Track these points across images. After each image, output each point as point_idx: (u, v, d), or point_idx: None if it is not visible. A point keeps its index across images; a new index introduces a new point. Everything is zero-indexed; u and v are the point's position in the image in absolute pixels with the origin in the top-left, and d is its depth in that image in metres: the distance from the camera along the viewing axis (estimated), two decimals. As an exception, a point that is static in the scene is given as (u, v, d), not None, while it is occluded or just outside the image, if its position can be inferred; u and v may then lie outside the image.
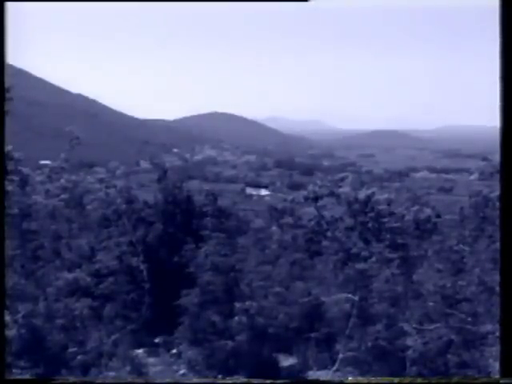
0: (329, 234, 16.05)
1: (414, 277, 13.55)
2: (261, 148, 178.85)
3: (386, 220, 15.66)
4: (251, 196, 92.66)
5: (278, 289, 14.65)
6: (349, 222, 16.64)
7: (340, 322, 12.97)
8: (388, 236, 14.73)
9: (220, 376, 12.46)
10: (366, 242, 14.97)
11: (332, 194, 18.21)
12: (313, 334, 13.43)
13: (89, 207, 18.48)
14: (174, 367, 13.58)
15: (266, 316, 13.66)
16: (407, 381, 4.59)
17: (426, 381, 4.44)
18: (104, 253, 15.81)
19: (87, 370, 11.15)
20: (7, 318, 10.31)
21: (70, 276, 12.36)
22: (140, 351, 14.19)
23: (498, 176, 12.40)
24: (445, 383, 5.07)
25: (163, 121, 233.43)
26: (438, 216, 18.48)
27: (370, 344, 12.11)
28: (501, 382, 3.99)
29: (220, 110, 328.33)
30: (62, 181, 16.05)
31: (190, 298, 14.11)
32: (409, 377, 10.80)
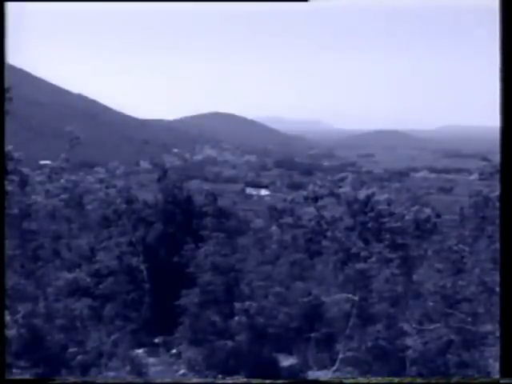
0: (329, 233, 16.03)
1: (414, 277, 13.54)
2: (261, 148, 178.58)
3: (385, 220, 15.65)
4: (251, 196, 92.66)
5: (278, 289, 14.63)
6: (349, 221, 16.64)
7: (340, 321, 12.97)
8: (388, 236, 14.70)
9: (220, 376, 12.45)
10: (366, 242, 14.95)
11: (332, 194, 18.22)
12: (313, 334, 13.42)
13: (89, 207, 18.47)
14: (174, 367, 13.58)
15: (266, 316, 13.65)
16: (407, 381, 4.59)
17: (426, 381, 4.45)
18: (104, 253, 15.80)
19: (87, 369, 11.14)
20: (7, 318, 10.31)
21: (70, 276, 12.35)
22: (140, 351, 14.19)
23: (497, 176, 12.42)
24: (444, 383, 5.09)
25: (163, 121, 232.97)
26: (438, 216, 18.48)
27: (369, 344, 12.10)
28: (500, 381, 3.99)
29: (220, 110, 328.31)
30: (62, 181, 16.04)
31: (190, 298, 14.11)
32: (409, 377, 10.79)
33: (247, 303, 13.32)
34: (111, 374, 11.34)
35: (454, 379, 4.19)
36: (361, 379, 4.93)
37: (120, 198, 17.51)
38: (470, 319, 11.39)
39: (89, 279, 13.16)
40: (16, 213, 11.55)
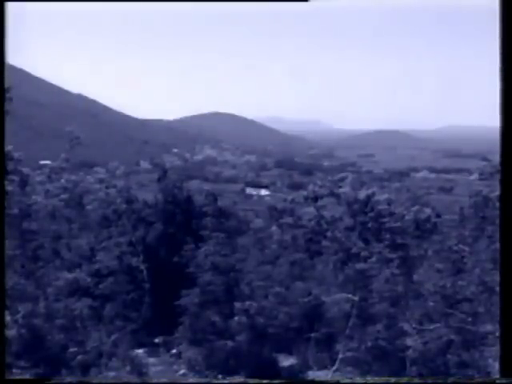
0: (329, 233, 16.02)
1: (414, 277, 13.54)
2: (261, 148, 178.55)
3: (385, 220, 15.65)
4: (251, 196, 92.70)
5: (278, 289, 14.64)
6: (349, 222, 16.62)
7: (340, 321, 12.96)
8: (388, 236, 14.71)
9: (220, 376, 12.45)
10: (366, 242, 14.95)
11: (332, 194, 18.20)
12: (313, 334, 13.42)
13: (89, 207, 18.47)
14: (174, 367, 13.58)
15: (266, 316, 13.65)
16: (404, 381, 4.59)
17: (423, 381, 4.45)
18: (104, 253, 15.80)
19: (87, 369, 11.14)
20: (7, 318, 10.30)
21: (70, 276, 12.35)
22: (140, 351, 14.19)
23: (498, 176, 12.41)
24: (441, 383, 5.09)
25: (163, 121, 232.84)
26: (438, 216, 18.47)
27: (369, 344, 12.10)
28: (497, 382, 3.98)
29: (220, 110, 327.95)
30: (62, 181, 16.07)
31: (190, 298, 14.11)
32: (407, 377, 10.78)
33: (247, 303, 13.32)
34: (111, 373, 11.34)
35: (451, 379, 4.18)
36: (358, 379, 4.92)
37: (120, 198, 17.51)
38: (470, 319, 11.39)
39: (89, 279, 13.17)
40: (16, 213, 11.56)
